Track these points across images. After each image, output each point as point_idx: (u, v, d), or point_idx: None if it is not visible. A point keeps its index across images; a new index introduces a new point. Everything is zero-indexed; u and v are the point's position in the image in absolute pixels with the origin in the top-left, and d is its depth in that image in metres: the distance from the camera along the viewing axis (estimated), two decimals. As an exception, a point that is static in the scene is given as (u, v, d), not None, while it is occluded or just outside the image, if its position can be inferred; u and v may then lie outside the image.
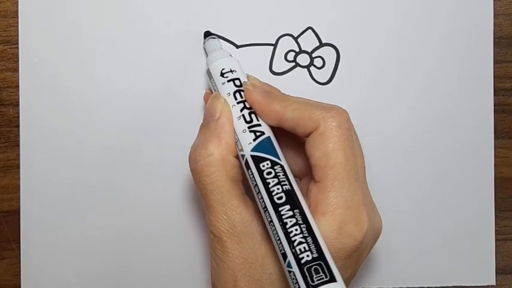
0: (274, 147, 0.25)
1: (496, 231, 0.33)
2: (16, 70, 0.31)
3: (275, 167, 0.24)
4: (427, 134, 0.33)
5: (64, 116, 0.31)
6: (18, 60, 0.31)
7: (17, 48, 0.31)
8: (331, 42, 0.32)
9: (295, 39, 0.32)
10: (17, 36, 0.31)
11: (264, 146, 0.25)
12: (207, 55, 0.30)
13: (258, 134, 0.25)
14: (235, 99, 0.27)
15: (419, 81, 0.33)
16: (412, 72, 0.33)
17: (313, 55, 0.32)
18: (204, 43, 0.31)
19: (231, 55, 0.29)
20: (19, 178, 0.31)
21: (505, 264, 0.33)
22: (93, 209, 0.31)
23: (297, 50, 0.32)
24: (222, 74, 0.28)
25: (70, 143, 0.31)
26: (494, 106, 0.33)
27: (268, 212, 0.24)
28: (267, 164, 0.24)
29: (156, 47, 0.32)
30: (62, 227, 0.31)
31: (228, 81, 0.27)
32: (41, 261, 0.31)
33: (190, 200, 0.32)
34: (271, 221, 0.23)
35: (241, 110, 0.26)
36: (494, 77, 0.33)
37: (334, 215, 0.24)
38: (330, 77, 0.32)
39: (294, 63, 0.32)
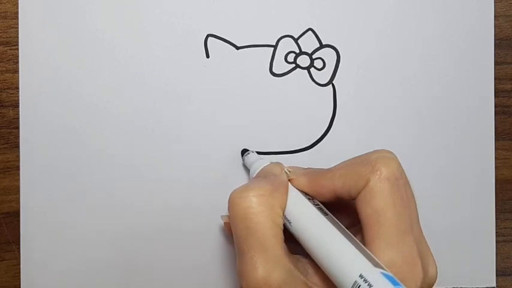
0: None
1: (496, 232, 0.33)
2: (16, 71, 0.31)
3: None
4: (427, 135, 0.33)
5: (64, 117, 0.31)
6: (18, 62, 0.31)
7: (17, 49, 0.31)
8: (331, 44, 0.32)
9: (296, 40, 0.32)
10: (17, 37, 0.31)
11: None
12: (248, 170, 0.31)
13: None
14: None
15: (420, 83, 0.33)
16: (412, 74, 0.32)
17: (314, 56, 0.32)
18: (243, 159, 0.31)
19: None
20: (19, 179, 0.31)
21: (505, 265, 0.33)
22: (93, 210, 0.31)
23: (297, 51, 0.32)
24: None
25: (70, 144, 0.31)
26: (494, 108, 0.33)
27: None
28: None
29: (156, 48, 0.32)
30: (62, 228, 0.31)
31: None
32: (41, 263, 0.31)
33: (191, 199, 0.32)
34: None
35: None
36: (495, 78, 0.33)
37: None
38: (330, 79, 0.32)
39: (294, 65, 0.32)
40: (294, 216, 0.25)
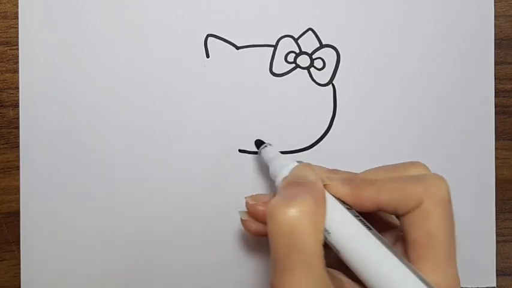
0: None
1: (496, 232, 0.33)
2: (16, 71, 0.31)
3: None
4: (427, 135, 0.33)
5: (64, 117, 0.31)
6: (18, 62, 0.31)
7: (17, 49, 0.31)
8: (331, 44, 0.32)
9: (296, 40, 0.32)
10: (17, 37, 0.31)
11: None
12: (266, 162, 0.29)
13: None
14: None
15: (420, 83, 0.33)
16: (412, 74, 0.32)
17: (314, 56, 0.32)
18: (260, 152, 0.30)
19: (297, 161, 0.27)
20: (19, 179, 0.31)
21: (505, 265, 0.33)
22: (93, 210, 0.31)
23: (297, 51, 0.32)
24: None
25: (70, 144, 0.31)
26: (494, 108, 0.33)
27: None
28: None
29: (156, 48, 0.32)
30: (62, 228, 0.31)
31: None
32: (40, 263, 0.31)
33: (191, 199, 0.32)
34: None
35: None
36: (495, 78, 0.33)
37: None
38: (330, 79, 0.32)
39: (294, 65, 0.32)
40: (335, 229, 0.24)
